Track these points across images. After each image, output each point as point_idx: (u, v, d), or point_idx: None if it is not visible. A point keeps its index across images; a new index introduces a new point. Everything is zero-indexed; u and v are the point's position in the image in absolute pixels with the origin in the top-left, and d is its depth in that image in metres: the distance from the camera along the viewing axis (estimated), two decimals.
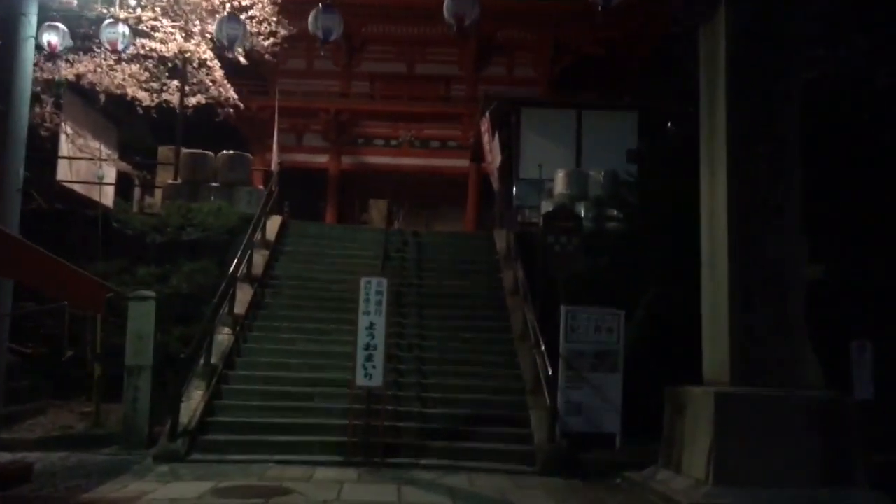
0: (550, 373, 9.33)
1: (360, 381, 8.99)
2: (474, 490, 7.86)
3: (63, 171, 14.95)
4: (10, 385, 10.76)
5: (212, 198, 13.77)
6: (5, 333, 7.39)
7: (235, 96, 17.34)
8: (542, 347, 9.80)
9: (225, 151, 14.49)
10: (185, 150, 14.32)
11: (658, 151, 14.12)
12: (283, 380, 10.08)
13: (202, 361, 9.88)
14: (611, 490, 8.36)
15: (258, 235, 13.10)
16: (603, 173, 14.59)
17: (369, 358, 9.01)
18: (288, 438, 9.03)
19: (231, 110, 17.48)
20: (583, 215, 12.37)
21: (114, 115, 17.37)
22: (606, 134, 16.06)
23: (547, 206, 14.65)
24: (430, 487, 7.86)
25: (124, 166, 15.79)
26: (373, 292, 9.14)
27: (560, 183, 14.59)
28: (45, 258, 6.33)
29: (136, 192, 16.55)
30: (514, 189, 15.39)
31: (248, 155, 14.82)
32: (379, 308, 9.13)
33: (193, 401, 9.34)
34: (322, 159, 23.50)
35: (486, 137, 15.68)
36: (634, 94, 17.36)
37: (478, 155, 20.03)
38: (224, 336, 10.64)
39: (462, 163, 22.67)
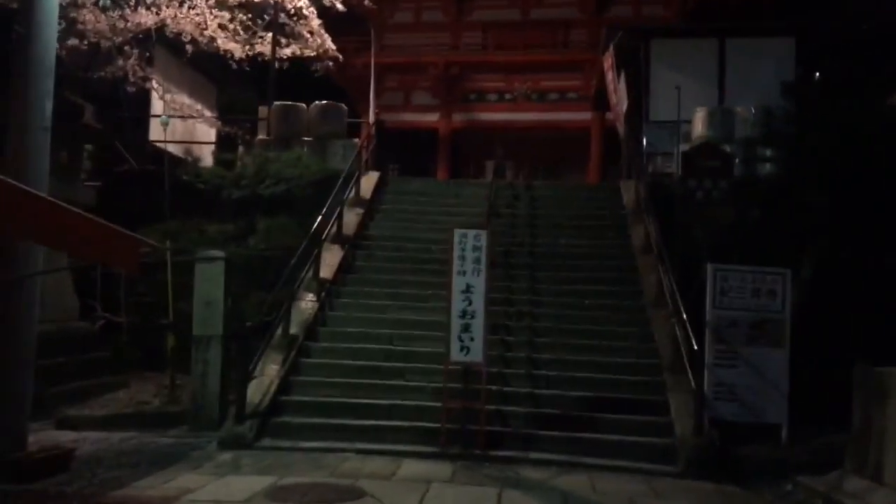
0: (696, 347, 7.35)
1: (456, 355, 7.40)
2: (597, 498, 6.10)
3: (157, 132, 14.14)
4: (88, 356, 10.01)
5: (304, 150, 12.49)
6: (34, 299, 6.27)
7: (334, 47, 16.13)
8: (684, 316, 7.82)
9: (317, 102, 13.18)
10: (275, 103, 13.14)
11: (824, 82, 11.58)
12: (370, 353, 8.66)
13: (279, 331, 8.60)
14: (781, 501, 6.37)
15: (351, 192, 11.74)
16: (753, 110, 12.15)
17: (466, 328, 7.39)
18: (372, 423, 7.61)
19: (331, 63, 16.34)
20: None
21: (213, 75, 16.59)
22: (755, 65, 13.54)
23: (683, 150, 12.44)
24: (539, 492, 6.18)
25: (219, 125, 14.84)
26: (469, 247, 7.49)
27: (700, 123, 12.30)
28: (59, 209, 5.09)
29: (240, 151, 15.60)
30: (644, 134, 13.22)
31: (343, 105, 13.45)
32: (478, 267, 7.48)
33: (267, 377, 8.08)
34: (432, 118, 21.99)
35: (609, 76, 13.60)
36: (789, 14, 14.58)
37: (601, 102, 17.91)
38: (307, 303, 9.34)
39: (584, 116, 20.57)
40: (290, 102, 13.18)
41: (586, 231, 11.27)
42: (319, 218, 9.77)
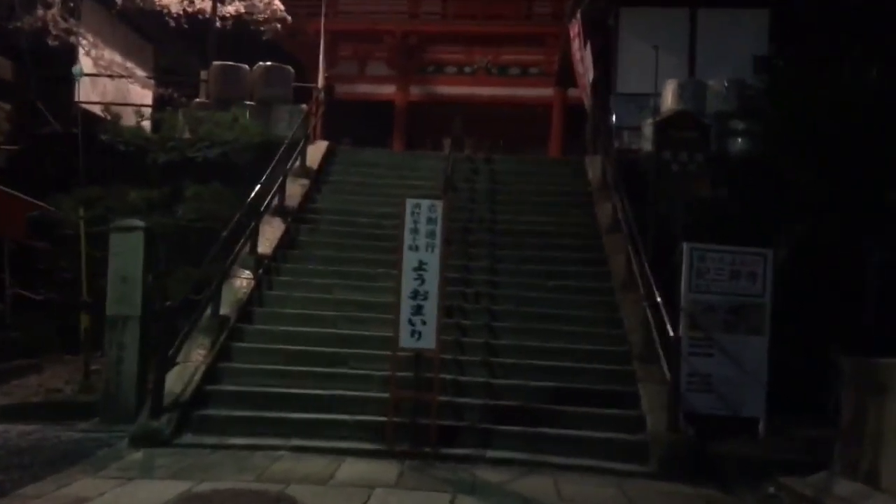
0: (672, 333, 6.64)
1: (406, 340, 6.55)
2: None
3: (86, 93, 12.92)
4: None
5: (247, 115, 11.46)
6: None
7: (282, 8, 15.11)
8: (658, 299, 7.10)
9: (261, 63, 12.12)
10: (214, 63, 12.03)
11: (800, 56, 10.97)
12: (311, 337, 7.77)
13: (208, 312, 7.65)
14: None
15: (297, 162, 10.77)
16: (727, 83, 11.51)
17: (418, 310, 6.54)
18: (311, 416, 6.74)
19: (279, 25, 15.31)
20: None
21: (150, 35, 15.35)
22: (728, 38, 12.90)
23: (652, 125, 11.74)
24: (498, 499, 5.40)
25: (154, 88, 13.66)
26: (423, 220, 6.62)
27: (670, 96, 11.61)
28: None
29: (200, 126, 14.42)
30: (612, 107, 12.48)
31: (289, 68, 12.41)
32: (432, 242, 6.62)
33: (192, 363, 7.13)
34: (388, 90, 21.01)
35: (576, 44, 12.81)
36: None
37: (564, 78, 17.15)
38: (241, 281, 8.39)
39: (546, 92, 19.82)
40: (230, 63, 12.09)
41: (549, 208, 10.52)
42: (258, 187, 8.78)
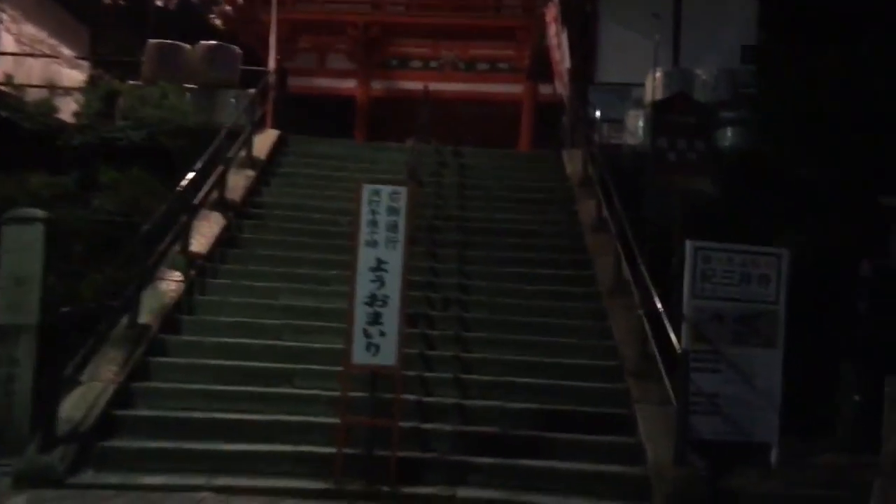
0: (680, 347, 5.60)
1: (360, 355, 5.41)
2: None
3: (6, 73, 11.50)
4: None
5: (186, 96, 10.21)
6: None
7: None
8: (659, 306, 6.06)
9: (204, 42, 10.87)
10: (150, 41, 10.75)
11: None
12: (250, 350, 6.57)
13: (124, 321, 6.40)
14: None
15: (241, 151, 9.56)
16: (716, 73, 10.61)
17: (375, 318, 5.41)
18: (244, 448, 5.56)
19: (229, 8, 14.10)
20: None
21: (84, 16, 14.00)
22: (714, 27, 12.08)
23: (635, 118, 10.80)
24: None
25: (89, 71, 12.30)
26: (383, 209, 5.50)
27: (654, 86, 10.67)
28: None
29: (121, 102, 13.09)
30: (591, 97, 11.51)
31: (236, 48, 11.19)
32: (394, 237, 5.50)
33: (99, 383, 5.88)
34: (349, 84, 19.81)
35: (552, 30, 11.83)
36: None
37: (536, 72, 16.18)
38: (169, 284, 7.14)
39: (516, 89, 18.81)
40: (168, 41, 10.82)
41: (526, 205, 9.46)
42: (190, 174, 7.56)
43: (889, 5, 9.85)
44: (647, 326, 6.37)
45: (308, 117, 16.56)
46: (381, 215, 5.47)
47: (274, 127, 11.76)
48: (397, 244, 5.45)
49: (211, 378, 6.24)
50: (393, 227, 5.45)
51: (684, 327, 6.23)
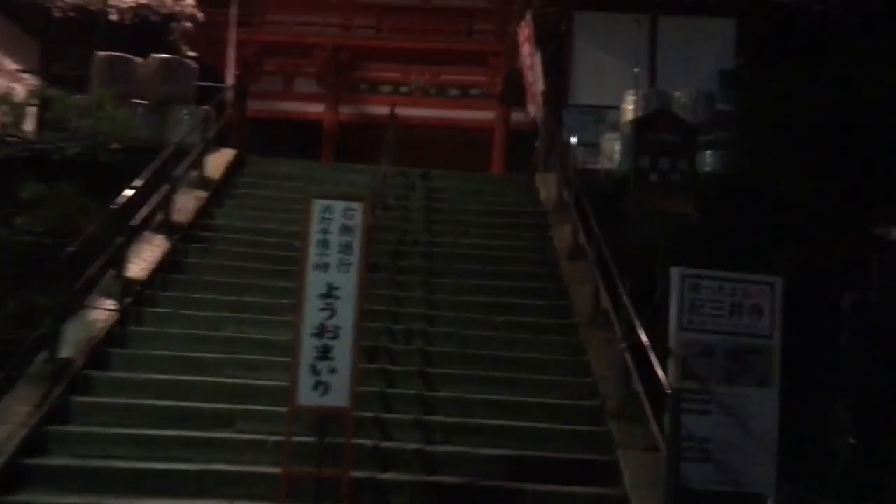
0: (670, 387, 5.00)
1: (306, 395, 4.73)
2: None
3: None
4: None
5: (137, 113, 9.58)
6: None
7: (192, 2, 13.30)
8: (645, 340, 5.48)
9: (156, 55, 10.23)
10: (98, 54, 10.09)
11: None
12: (188, 388, 5.85)
13: (43, 355, 5.65)
14: None
15: (193, 170, 8.90)
16: (695, 94, 10.21)
17: (324, 352, 4.75)
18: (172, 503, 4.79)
19: (189, 24, 13.50)
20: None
21: (34, 29, 13.31)
22: (691, 49, 11.72)
23: (611, 141, 10.34)
24: None
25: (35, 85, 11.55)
26: (335, 228, 4.86)
27: (631, 108, 10.23)
28: None
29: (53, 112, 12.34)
30: (565, 119, 11.05)
31: (192, 63, 10.56)
32: (347, 259, 4.85)
33: (6, 426, 5.11)
34: (316, 109, 19.24)
35: (525, 50, 11.38)
36: None
37: (508, 96, 15.78)
38: (99, 314, 6.40)
39: (488, 115, 18.40)
40: (119, 54, 10.17)
41: (497, 230, 8.91)
42: (129, 192, 6.87)
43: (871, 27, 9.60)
44: (630, 362, 5.77)
45: (274, 142, 15.98)
46: (334, 234, 4.83)
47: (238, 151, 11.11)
48: (351, 268, 4.81)
49: (140, 421, 5.50)
50: (347, 249, 4.82)
51: (671, 363, 5.65)
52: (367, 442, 5.36)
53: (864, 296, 8.09)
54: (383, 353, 6.39)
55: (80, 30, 12.53)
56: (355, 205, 4.88)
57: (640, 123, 6.63)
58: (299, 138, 18.56)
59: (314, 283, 4.79)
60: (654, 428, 5.28)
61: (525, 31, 11.34)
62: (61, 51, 13.50)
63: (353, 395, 4.79)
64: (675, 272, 5.79)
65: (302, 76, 19.34)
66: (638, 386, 5.62)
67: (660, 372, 5.16)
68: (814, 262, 7.93)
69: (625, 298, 5.96)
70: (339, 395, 4.72)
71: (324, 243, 4.82)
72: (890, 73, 7.72)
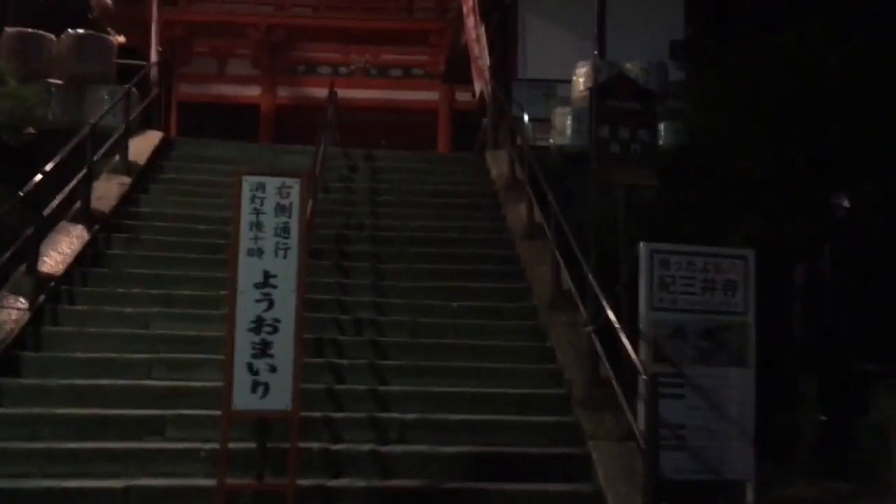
0: (642, 370, 4.60)
1: (243, 399, 4.16)
2: None
3: None
4: None
5: (51, 102, 8.76)
6: None
7: None
8: (615, 322, 5.07)
9: (71, 31, 9.38)
10: (6, 30, 9.19)
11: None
12: (111, 394, 5.22)
13: None
14: None
15: (115, 154, 8.16)
16: (647, 66, 9.88)
17: (263, 349, 4.19)
18: None
19: (109, 2, 12.58)
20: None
21: None
22: (640, 21, 11.40)
23: (563, 116, 9.93)
24: None
25: None
26: (270, 208, 4.29)
27: (582, 81, 9.83)
28: None
29: None
30: (514, 94, 10.61)
31: (110, 39, 9.74)
32: (285, 242, 4.29)
33: None
34: (252, 92, 18.58)
35: (470, 22, 10.89)
36: None
37: (452, 74, 15.30)
38: (8, 313, 5.70)
39: (431, 95, 17.97)
40: (30, 30, 9.29)
41: (447, 211, 8.43)
42: (37, 178, 6.16)
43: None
44: (598, 345, 5.37)
45: (209, 128, 15.16)
46: (268, 215, 4.26)
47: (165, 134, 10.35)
48: (290, 252, 4.25)
49: (56, 432, 4.85)
50: (283, 231, 4.25)
51: (641, 345, 5.26)
52: (315, 445, 4.84)
53: (816, 266, 7.92)
54: (330, 346, 5.86)
55: None
56: (291, 181, 4.31)
57: (598, 91, 6.20)
58: (236, 123, 17.75)
59: (248, 270, 4.22)
60: (627, 415, 4.87)
61: (468, 3, 10.84)
62: None
63: (298, 395, 4.24)
64: (643, 248, 5.40)
65: (236, 58, 18.55)
66: (607, 371, 5.23)
67: (632, 355, 4.75)
68: (772, 233, 7.70)
69: (590, 278, 5.54)
70: (280, 397, 4.17)
71: (257, 225, 4.25)
72: (843, 41, 7.50)
